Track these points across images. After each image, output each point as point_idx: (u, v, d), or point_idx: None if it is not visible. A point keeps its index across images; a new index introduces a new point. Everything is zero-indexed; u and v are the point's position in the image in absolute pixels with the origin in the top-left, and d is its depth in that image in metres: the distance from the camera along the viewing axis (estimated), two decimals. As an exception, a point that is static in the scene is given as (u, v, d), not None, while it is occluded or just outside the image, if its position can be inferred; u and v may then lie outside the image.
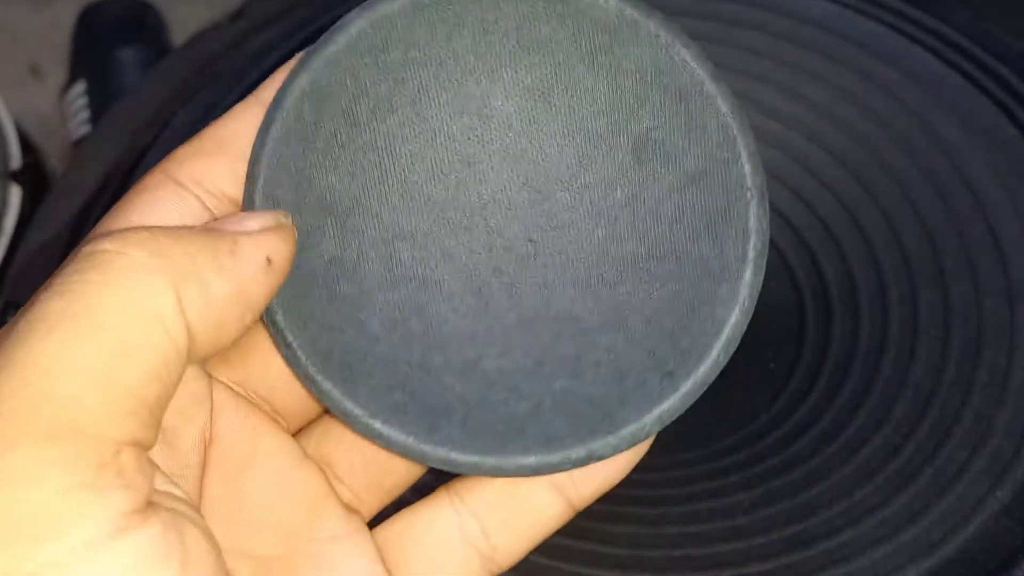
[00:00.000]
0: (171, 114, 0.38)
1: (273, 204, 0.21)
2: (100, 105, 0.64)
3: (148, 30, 0.68)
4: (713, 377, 0.21)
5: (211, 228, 0.19)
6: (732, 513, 0.27)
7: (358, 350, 0.21)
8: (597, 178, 0.21)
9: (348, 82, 0.21)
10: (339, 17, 0.39)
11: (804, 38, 0.37)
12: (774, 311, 0.35)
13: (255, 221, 0.19)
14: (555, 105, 0.21)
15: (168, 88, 0.41)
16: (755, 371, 0.34)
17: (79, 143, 0.63)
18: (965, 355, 0.29)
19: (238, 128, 0.21)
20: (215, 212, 0.20)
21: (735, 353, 0.34)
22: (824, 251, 0.35)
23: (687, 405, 0.21)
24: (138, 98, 0.39)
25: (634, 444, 0.21)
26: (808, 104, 0.37)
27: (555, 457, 0.21)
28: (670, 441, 0.31)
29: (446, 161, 0.21)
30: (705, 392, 0.33)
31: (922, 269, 0.32)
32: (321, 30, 0.39)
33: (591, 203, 0.21)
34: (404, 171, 0.21)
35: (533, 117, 0.21)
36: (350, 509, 0.22)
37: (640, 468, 0.29)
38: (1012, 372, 0.28)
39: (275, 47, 0.39)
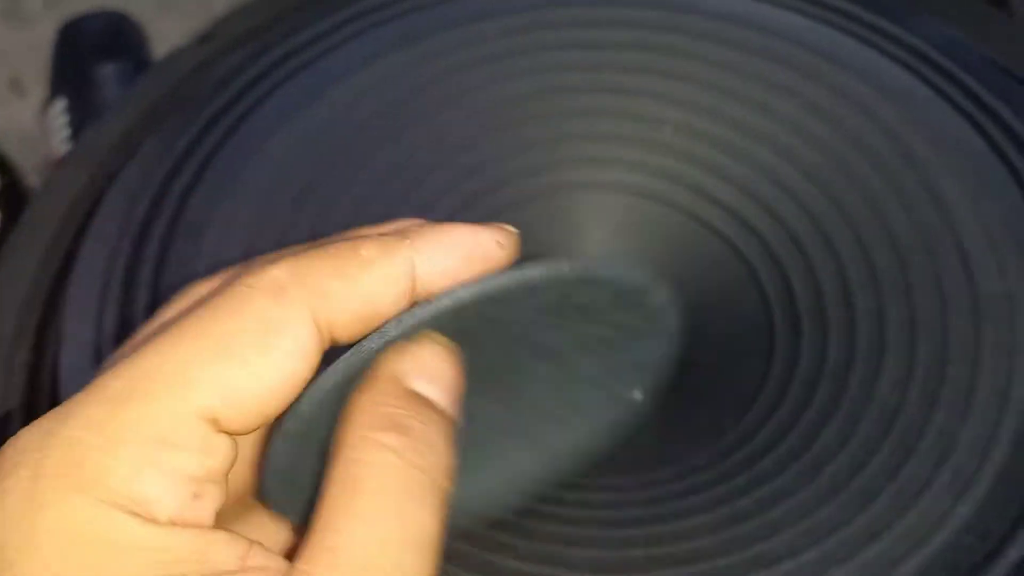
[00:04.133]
0: (138, 141, 0.38)
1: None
2: (81, 121, 0.64)
3: (128, 44, 0.69)
4: None
5: None
6: (697, 534, 0.27)
7: None
8: None
9: None
10: (304, 40, 0.40)
11: (775, 52, 0.37)
12: (744, 326, 0.35)
13: None
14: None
15: (136, 113, 0.41)
16: (725, 387, 0.34)
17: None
18: (931, 372, 0.29)
19: None
20: None
21: (705, 368, 0.34)
22: (794, 266, 0.34)
23: None
24: (105, 124, 0.39)
25: None
26: (778, 119, 0.37)
27: None
28: (636, 461, 0.31)
29: None
30: (675, 408, 0.34)
31: (890, 285, 0.32)
32: (287, 54, 0.40)
33: None
34: None
35: None
36: None
37: (605, 488, 0.29)
38: (976, 388, 0.28)
39: (241, 70, 0.39)
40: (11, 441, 0.18)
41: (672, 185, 0.38)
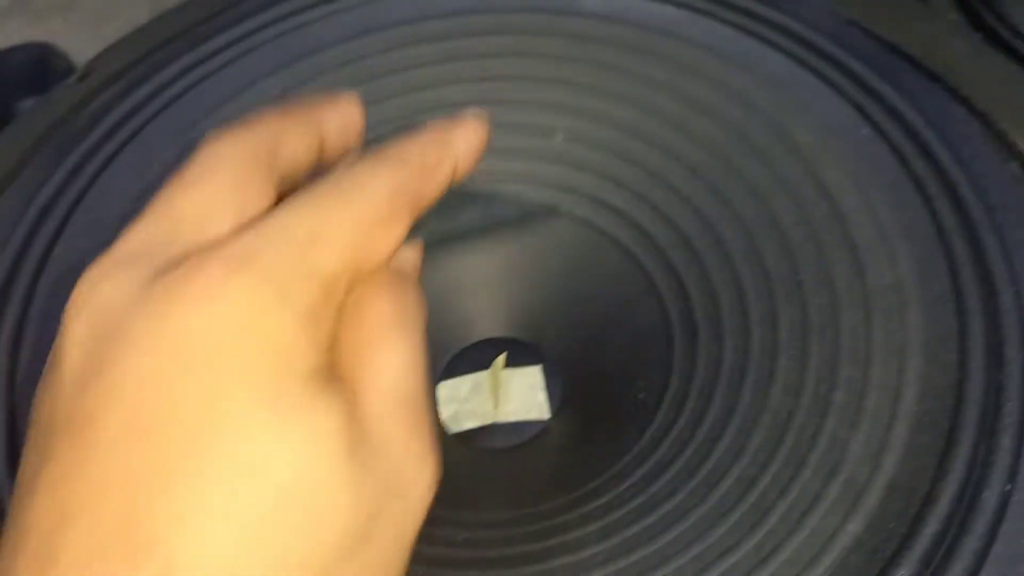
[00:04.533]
0: (6, 186, 0.37)
1: None
2: None
3: (55, 77, 0.66)
4: None
5: None
6: (587, 568, 0.25)
7: None
8: None
9: None
10: (174, 74, 0.38)
11: (655, 48, 0.36)
12: (643, 337, 0.34)
13: None
14: None
15: (14, 155, 0.39)
16: (626, 404, 0.33)
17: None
18: (822, 375, 0.27)
19: None
20: None
21: (606, 385, 0.33)
22: (689, 271, 0.33)
23: None
24: None
25: None
26: (664, 118, 0.35)
27: None
28: (534, 491, 0.29)
29: None
30: (578, 427, 0.32)
31: (782, 285, 0.30)
32: (160, 86, 0.38)
33: None
34: None
35: None
36: None
37: (500, 524, 0.28)
38: (867, 391, 0.26)
39: (111, 108, 0.37)
40: None
41: (565, 194, 0.37)
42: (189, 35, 0.40)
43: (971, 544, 0.24)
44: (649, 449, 0.29)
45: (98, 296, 0.19)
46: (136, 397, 0.17)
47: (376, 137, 0.37)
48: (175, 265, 0.19)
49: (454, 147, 0.23)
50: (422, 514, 0.20)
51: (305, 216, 0.20)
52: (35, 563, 0.17)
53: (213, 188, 0.20)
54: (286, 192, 0.21)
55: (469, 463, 0.34)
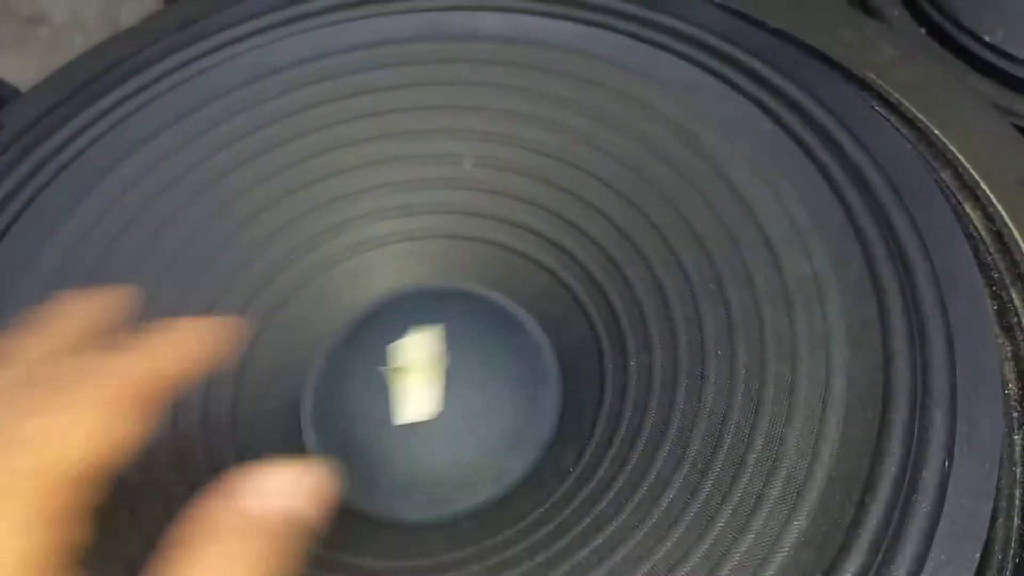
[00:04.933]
0: None
1: None
2: None
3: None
4: None
5: None
6: (537, 599, 0.25)
7: None
8: None
9: None
10: (112, 104, 0.37)
11: (557, 66, 0.36)
12: (574, 355, 0.33)
13: None
14: None
15: None
16: (565, 425, 0.32)
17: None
18: (752, 372, 0.27)
19: None
20: None
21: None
22: (611, 282, 0.33)
23: None
24: None
25: None
26: (572, 133, 0.35)
27: None
28: (476, 528, 0.29)
29: None
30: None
31: (702, 286, 0.30)
32: (86, 125, 0.37)
33: None
34: None
35: None
36: None
37: (446, 567, 0.27)
38: (796, 383, 0.26)
39: (37, 145, 0.36)
40: None
41: (482, 220, 0.36)
42: (84, 92, 0.38)
43: (917, 526, 0.24)
44: (591, 469, 0.29)
45: None
46: None
47: (283, 185, 0.36)
48: None
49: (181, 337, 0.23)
50: None
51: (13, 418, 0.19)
52: None
53: None
54: None
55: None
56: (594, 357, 0.33)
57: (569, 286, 0.34)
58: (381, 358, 0.35)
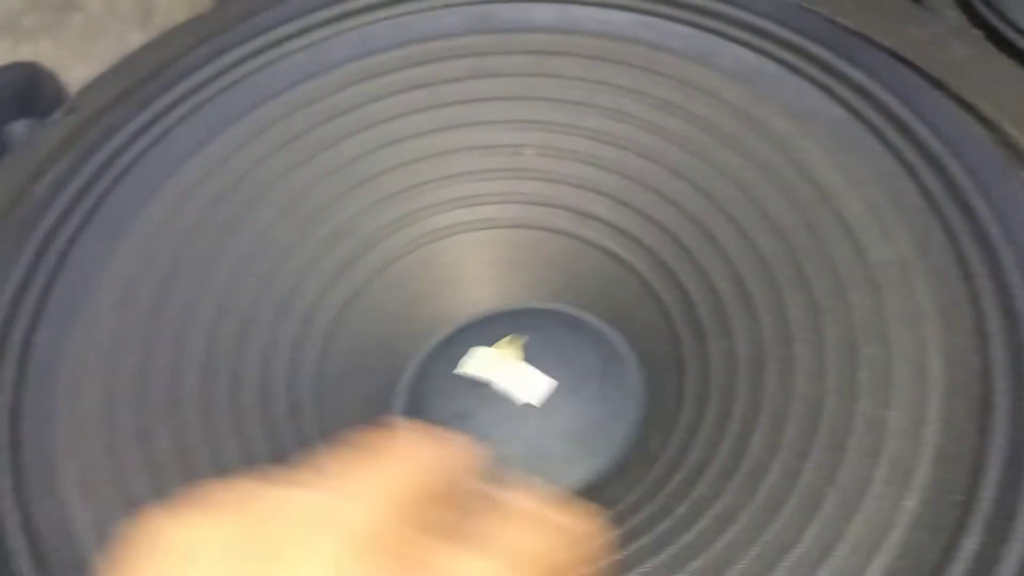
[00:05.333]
0: None
1: None
2: None
3: (43, 98, 0.65)
4: None
5: None
6: (648, 583, 0.25)
7: None
8: None
9: None
10: (169, 104, 0.37)
11: (614, 55, 0.36)
12: (651, 342, 0.34)
13: None
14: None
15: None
16: (647, 411, 0.33)
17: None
18: (842, 356, 0.28)
19: None
20: None
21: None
22: (683, 268, 0.33)
23: None
24: None
25: None
26: (634, 121, 0.36)
27: None
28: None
29: None
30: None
31: (781, 271, 0.31)
32: (143, 127, 0.37)
33: None
34: None
35: None
36: None
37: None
38: (893, 366, 0.27)
39: (99, 148, 0.36)
40: None
41: (546, 209, 0.37)
42: (143, 90, 0.38)
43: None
44: (680, 453, 0.29)
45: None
46: None
47: (345, 181, 0.36)
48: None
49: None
50: None
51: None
52: None
53: None
54: None
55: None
56: (669, 343, 0.33)
57: (639, 272, 0.35)
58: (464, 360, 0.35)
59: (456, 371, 0.34)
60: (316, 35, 0.39)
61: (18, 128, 0.62)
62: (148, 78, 0.39)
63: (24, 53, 0.71)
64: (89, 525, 0.28)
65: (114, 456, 0.30)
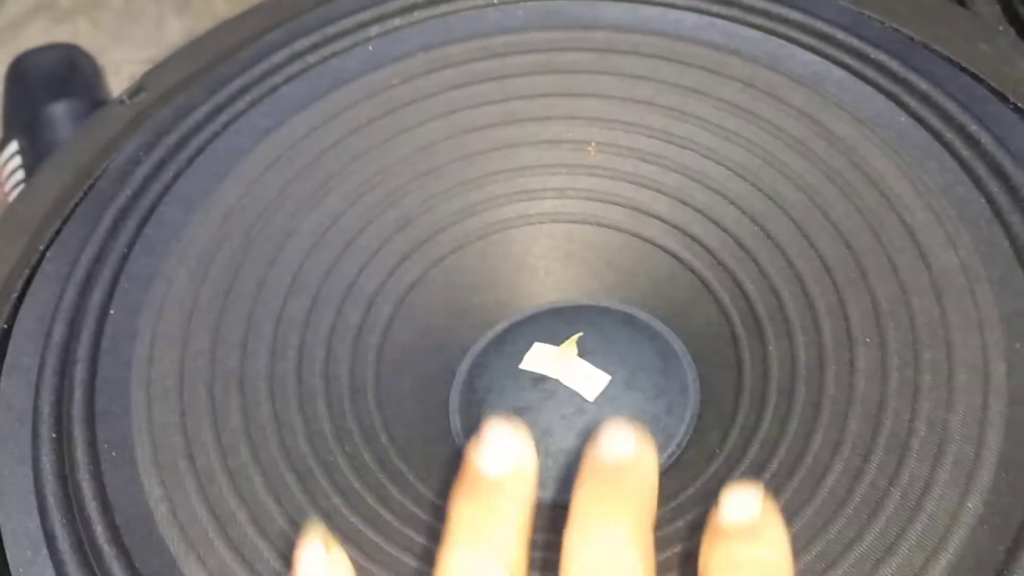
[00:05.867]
0: (71, 209, 0.37)
1: None
2: (35, 163, 0.62)
3: (81, 79, 0.66)
4: None
5: None
6: None
7: None
8: None
9: None
10: (241, 88, 0.38)
11: (680, 55, 0.37)
12: (708, 340, 0.34)
13: None
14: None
15: (69, 176, 0.39)
16: (702, 406, 0.33)
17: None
18: (905, 360, 0.28)
19: None
20: None
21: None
22: (742, 269, 0.34)
23: None
24: (37, 191, 0.38)
25: None
26: (697, 121, 0.36)
27: None
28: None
29: None
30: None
31: (844, 274, 0.31)
32: (216, 108, 0.38)
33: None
34: None
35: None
36: None
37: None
38: (954, 372, 0.27)
39: (168, 131, 0.37)
40: None
41: (605, 206, 0.37)
42: (215, 72, 0.39)
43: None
44: (739, 450, 0.30)
45: None
46: None
47: (412, 170, 0.37)
48: None
49: None
50: None
51: None
52: None
53: None
54: None
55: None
56: (727, 342, 0.34)
57: (696, 271, 0.35)
58: (520, 359, 0.35)
59: (520, 367, 0.35)
60: (389, 24, 0.40)
61: (58, 109, 0.63)
62: (218, 61, 0.40)
63: (61, 34, 0.72)
64: (161, 499, 0.29)
65: (185, 431, 0.31)
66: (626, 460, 0.23)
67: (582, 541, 0.22)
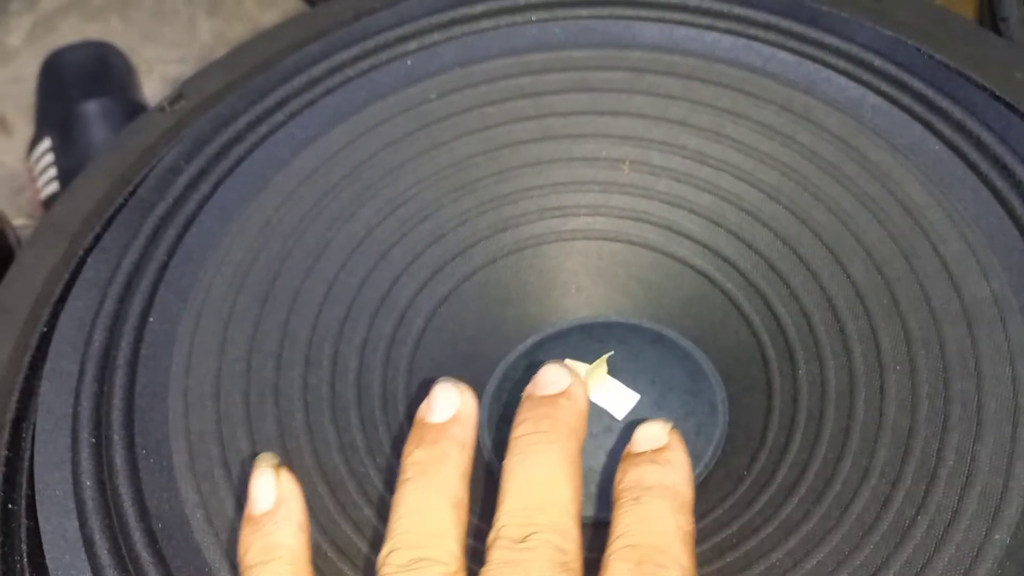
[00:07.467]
0: (111, 216, 0.37)
1: None
2: (67, 160, 0.63)
3: (114, 77, 0.66)
4: None
5: None
6: (737, 599, 0.26)
7: None
8: None
9: None
10: (280, 99, 0.39)
11: (716, 76, 0.37)
12: (737, 361, 0.35)
13: None
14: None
15: (108, 182, 0.40)
16: (731, 427, 0.33)
17: (47, 203, 0.61)
18: (935, 389, 0.29)
19: None
20: None
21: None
22: (774, 291, 0.34)
23: None
24: (76, 196, 0.39)
25: None
26: (732, 142, 0.36)
27: None
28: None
29: None
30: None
31: (876, 300, 0.31)
32: (256, 119, 0.39)
33: None
34: None
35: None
36: None
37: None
38: (984, 402, 0.28)
39: (208, 140, 0.38)
40: None
41: (637, 224, 0.38)
42: (254, 82, 0.40)
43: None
44: (768, 473, 0.30)
45: None
46: None
47: (447, 184, 0.37)
48: None
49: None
50: None
51: None
52: None
53: None
54: None
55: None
56: (757, 364, 0.34)
57: (727, 292, 0.35)
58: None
59: None
60: (427, 39, 0.40)
61: (92, 107, 0.64)
62: (257, 71, 0.40)
63: (93, 31, 0.72)
64: (197, 505, 0.30)
65: (221, 439, 0.31)
66: (558, 393, 0.28)
67: (518, 463, 0.26)
